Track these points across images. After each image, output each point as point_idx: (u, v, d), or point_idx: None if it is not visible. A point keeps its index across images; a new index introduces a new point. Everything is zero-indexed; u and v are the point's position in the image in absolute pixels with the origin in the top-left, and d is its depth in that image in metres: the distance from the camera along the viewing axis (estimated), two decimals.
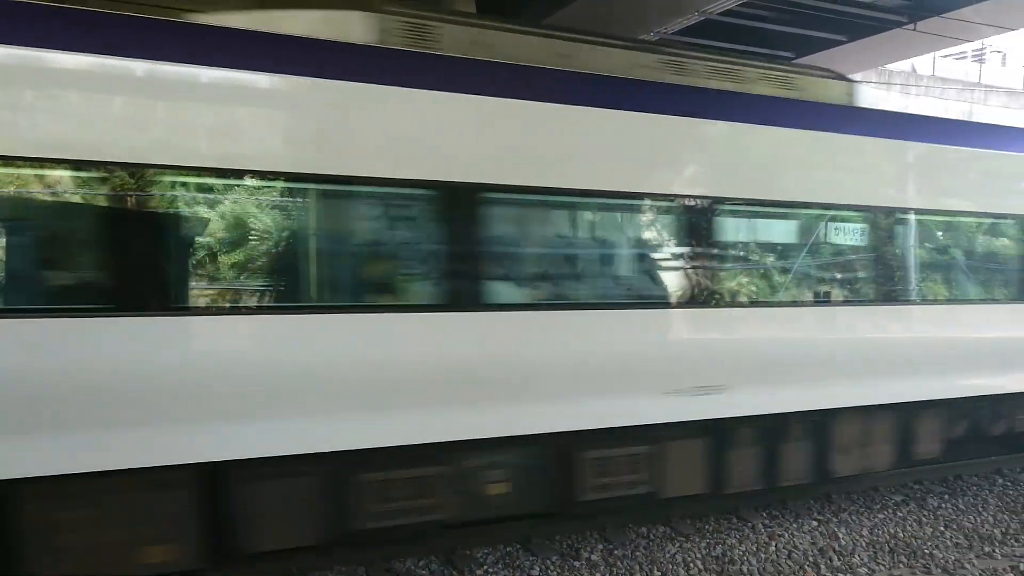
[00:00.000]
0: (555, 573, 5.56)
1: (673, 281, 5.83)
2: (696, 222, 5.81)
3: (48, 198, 4.37)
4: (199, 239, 4.66)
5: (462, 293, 5.06)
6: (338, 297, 5.12)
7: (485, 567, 5.61)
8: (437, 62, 5.19)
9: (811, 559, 5.92)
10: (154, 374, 4.35)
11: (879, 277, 6.60)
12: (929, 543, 6.31)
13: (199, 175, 4.54)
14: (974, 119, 16.61)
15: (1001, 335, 7.25)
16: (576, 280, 5.83)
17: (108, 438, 4.28)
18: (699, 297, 5.81)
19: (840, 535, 6.41)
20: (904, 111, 7.95)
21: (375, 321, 4.86)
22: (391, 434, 4.91)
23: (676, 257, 5.84)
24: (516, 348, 5.21)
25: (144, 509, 4.49)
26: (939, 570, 5.79)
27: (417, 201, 5.12)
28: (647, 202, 5.82)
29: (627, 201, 5.80)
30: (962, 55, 26.40)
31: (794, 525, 6.61)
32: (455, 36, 5.44)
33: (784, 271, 6.41)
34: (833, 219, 6.54)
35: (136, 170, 4.33)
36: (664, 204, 5.81)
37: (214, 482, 4.67)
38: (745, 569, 5.69)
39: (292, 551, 5.04)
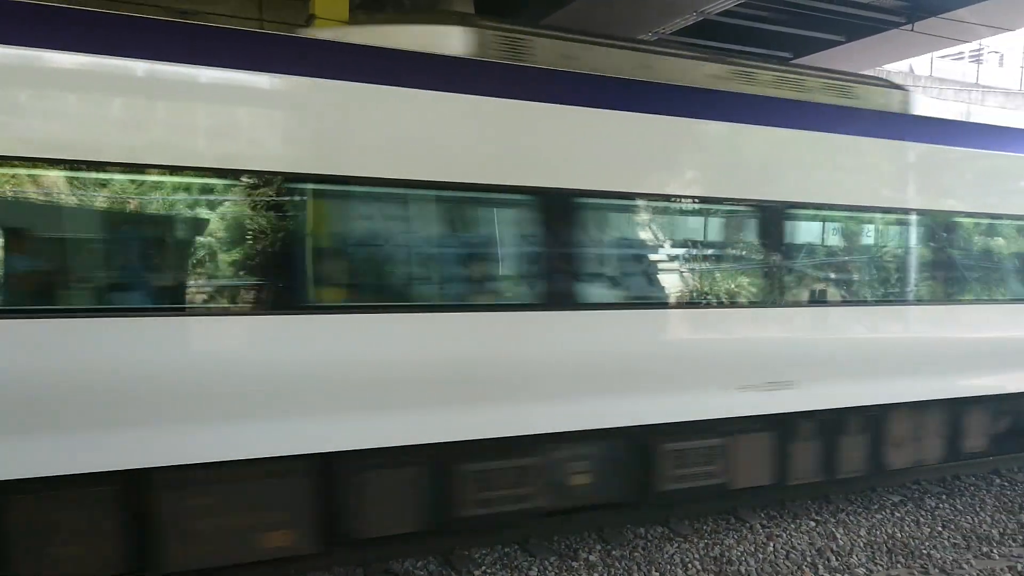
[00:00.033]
0: (553, 574, 5.56)
1: (764, 283, 6.16)
2: (798, 227, 6.33)
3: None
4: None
5: (581, 293, 5.47)
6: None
7: (483, 567, 5.61)
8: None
9: (809, 559, 5.93)
10: (289, 371, 4.67)
11: (945, 278, 6.95)
12: (927, 543, 6.32)
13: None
14: (972, 119, 16.60)
15: None
16: (684, 283, 6.11)
17: (240, 431, 4.59)
18: (790, 297, 6.24)
19: (838, 535, 6.42)
20: (962, 118, 8.25)
21: (505, 320, 5.26)
22: (496, 426, 5.24)
23: (767, 261, 6.16)
24: (619, 346, 5.54)
25: (268, 496, 4.80)
26: (937, 570, 5.80)
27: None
28: (747, 208, 6.13)
29: (736, 208, 6.13)
30: (959, 56, 26.46)
31: (792, 525, 6.62)
32: (546, 49, 5.76)
33: (863, 271, 6.78)
34: (908, 223, 6.91)
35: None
36: (763, 213, 6.15)
37: (330, 472, 4.96)
38: (743, 569, 5.70)
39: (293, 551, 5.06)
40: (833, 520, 6.78)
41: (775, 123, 6.17)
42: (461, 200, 5.25)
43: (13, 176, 4.15)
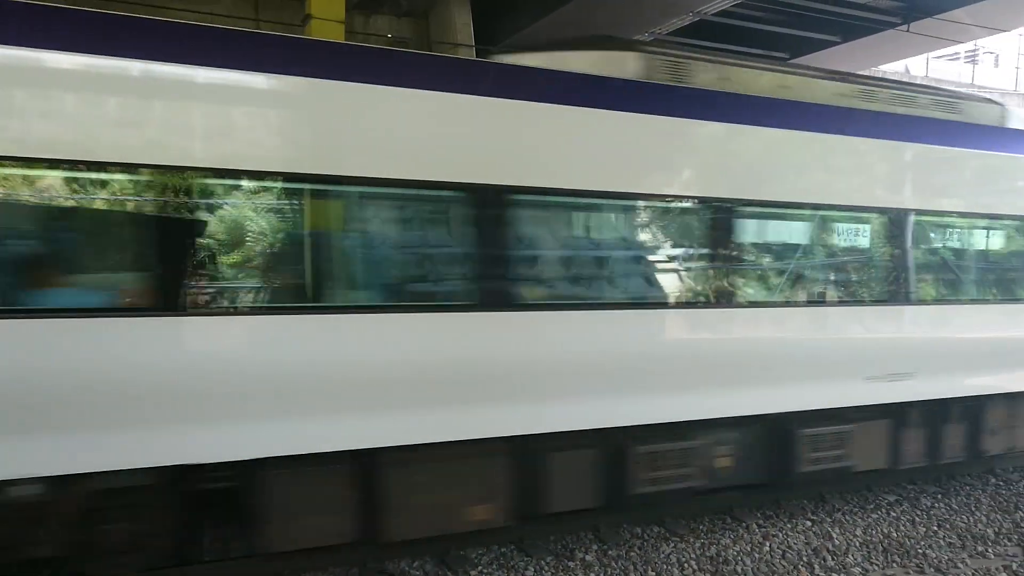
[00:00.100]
0: (549, 573, 5.56)
1: (885, 282, 6.77)
2: (910, 233, 6.84)
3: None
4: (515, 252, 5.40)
5: (722, 292, 6.03)
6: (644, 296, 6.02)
7: (479, 567, 5.61)
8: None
9: (805, 559, 5.94)
10: (497, 369, 5.20)
11: None
12: (922, 543, 6.34)
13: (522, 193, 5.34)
14: None
15: None
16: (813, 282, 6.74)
17: (453, 415, 5.12)
18: (912, 295, 6.83)
19: (834, 535, 6.44)
20: None
21: (659, 316, 5.85)
22: (664, 412, 5.78)
23: (883, 263, 6.80)
24: (766, 340, 6.17)
25: (476, 475, 5.36)
26: (932, 570, 5.81)
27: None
28: (873, 215, 6.75)
29: (857, 214, 6.72)
30: (955, 56, 26.54)
31: (788, 525, 6.63)
32: (705, 72, 6.30)
33: (970, 273, 7.47)
34: (996, 228, 7.64)
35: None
36: (885, 216, 6.76)
37: (525, 453, 5.50)
38: (739, 569, 5.71)
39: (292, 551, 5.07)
40: (829, 520, 6.80)
41: (907, 139, 6.86)
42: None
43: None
